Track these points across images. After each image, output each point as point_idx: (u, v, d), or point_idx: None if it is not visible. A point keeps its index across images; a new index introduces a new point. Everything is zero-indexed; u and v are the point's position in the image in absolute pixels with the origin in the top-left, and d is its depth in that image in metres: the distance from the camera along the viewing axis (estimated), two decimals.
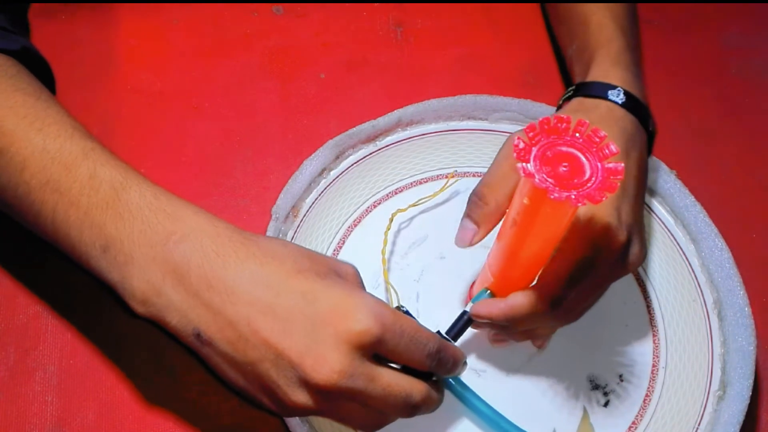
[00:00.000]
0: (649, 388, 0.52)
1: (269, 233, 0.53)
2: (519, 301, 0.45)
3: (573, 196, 0.37)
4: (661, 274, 0.56)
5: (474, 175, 0.59)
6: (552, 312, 0.45)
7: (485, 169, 0.51)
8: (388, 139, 0.59)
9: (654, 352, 0.53)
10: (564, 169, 0.38)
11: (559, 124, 0.39)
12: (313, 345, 0.38)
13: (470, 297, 0.52)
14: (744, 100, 0.67)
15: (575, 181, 0.38)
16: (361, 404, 0.40)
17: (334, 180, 0.57)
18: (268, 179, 0.59)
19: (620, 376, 0.52)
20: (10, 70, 0.46)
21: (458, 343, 0.47)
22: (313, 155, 0.56)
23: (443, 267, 0.55)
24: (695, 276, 0.55)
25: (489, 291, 0.48)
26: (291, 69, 0.65)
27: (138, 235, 0.40)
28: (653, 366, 0.53)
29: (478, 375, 0.52)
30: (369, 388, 0.39)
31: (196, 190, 0.58)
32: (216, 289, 0.39)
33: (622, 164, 0.38)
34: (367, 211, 0.57)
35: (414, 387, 0.40)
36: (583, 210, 0.45)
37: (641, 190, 0.50)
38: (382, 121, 0.58)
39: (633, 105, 0.50)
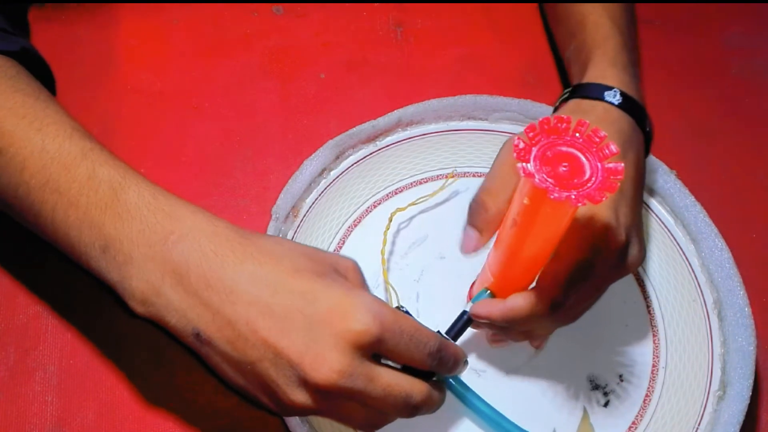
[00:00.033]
0: (649, 388, 0.52)
1: (269, 233, 0.53)
2: (518, 303, 0.45)
3: (573, 196, 0.37)
4: (661, 274, 0.56)
5: (474, 175, 0.59)
6: (552, 314, 0.45)
7: (485, 169, 0.51)
8: (388, 139, 0.59)
9: (654, 352, 0.53)
10: (564, 169, 0.38)
11: (559, 124, 0.39)
12: (312, 344, 0.38)
13: (470, 297, 0.52)
14: (744, 100, 0.67)
15: (575, 181, 0.38)
16: (360, 404, 0.40)
17: (334, 180, 0.57)
18: (268, 179, 0.59)
19: (620, 376, 0.52)
20: (10, 71, 0.46)
21: (458, 342, 0.47)
22: (313, 155, 0.56)
23: (443, 267, 0.55)
24: (695, 276, 0.55)
25: (489, 291, 0.48)
26: (291, 69, 0.65)
27: (137, 234, 0.40)
28: (653, 366, 0.53)
29: (478, 375, 0.52)
30: (368, 387, 0.39)
31: (196, 190, 0.58)
32: (214, 288, 0.39)
33: (622, 164, 0.38)
34: (367, 211, 0.57)
35: (414, 387, 0.40)
36: (582, 212, 0.45)
37: (639, 191, 0.50)
38: (382, 121, 0.58)
39: (629, 106, 0.50)
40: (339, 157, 0.57)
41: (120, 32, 0.65)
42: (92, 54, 0.63)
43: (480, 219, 0.48)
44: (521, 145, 0.38)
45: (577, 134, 0.39)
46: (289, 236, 0.54)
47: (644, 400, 0.52)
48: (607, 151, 0.39)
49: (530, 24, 0.68)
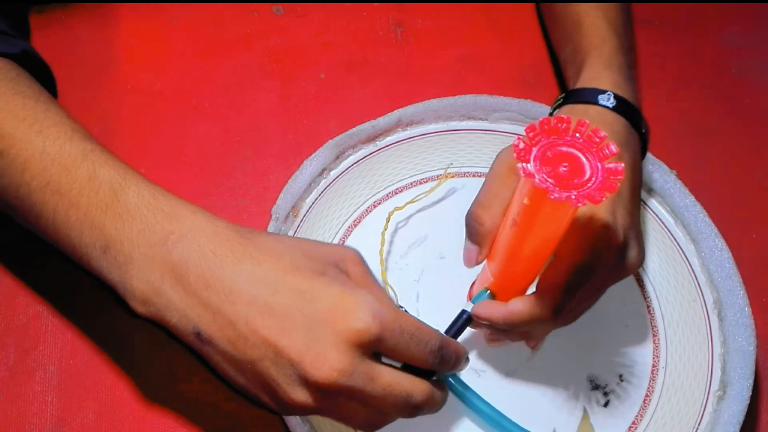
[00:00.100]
0: (649, 388, 0.52)
1: None
2: (519, 307, 0.45)
3: (573, 197, 0.37)
4: (661, 274, 0.56)
5: (474, 175, 0.59)
6: (554, 319, 0.45)
7: (485, 169, 0.51)
8: (388, 139, 0.59)
9: (654, 352, 0.53)
10: (564, 169, 0.38)
11: (559, 125, 0.39)
12: (312, 343, 0.38)
13: (470, 297, 0.52)
14: (744, 100, 0.67)
15: (575, 181, 0.38)
16: (361, 403, 0.40)
17: (334, 180, 0.57)
18: (268, 179, 0.59)
19: (620, 376, 0.52)
20: (10, 74, 0.46)
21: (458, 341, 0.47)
22: (313, 155, 0.56)
23: (443, 267, 0.55)
24: (695, 276, 0.55)
25: (489, 291, 0.48)
26: (291, 69, 0.65)
27: (137, 235, 0.40)
28: (653, 366, 0.53)
29: (478, 375, 0.52)
30: (369, 387, 0.39)
31: (196, 190, 0.58)
32: (214, 288, 0.39)
33: (623, 164, 0.38)
34: (367, 211, 0.57)
35: (416, 387, 0.40)
36: (580, 213, 0.45)
37: (636, 192, 0.50)
38: (382, 121, 0.58)
39: (624, 108, 0.50)
40: (339, 157, 0.57)
41: (120, 32, 0.65)
42: (92, 54, 0.63)
43: (476, 233, 0.48)
44: (521, 145, 0.38)
45: (577, 134, 0.39)
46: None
47: (644, 400, 0.52)
48: (607, 151, 0.39)
49: (530, 24, 0.68)
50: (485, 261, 0.50)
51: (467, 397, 0.49)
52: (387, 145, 0.59)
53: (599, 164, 0.38)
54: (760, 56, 0.69)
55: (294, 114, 0.62)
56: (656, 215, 0.57)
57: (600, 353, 0.53)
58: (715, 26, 0.70)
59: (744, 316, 0.52)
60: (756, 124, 0.65)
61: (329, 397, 0.39)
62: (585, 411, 0.51)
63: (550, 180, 0.37)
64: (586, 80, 0.53)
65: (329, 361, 0.38)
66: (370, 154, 0.58)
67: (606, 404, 0.51)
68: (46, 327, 0.52)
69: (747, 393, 0.50)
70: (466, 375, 0.51)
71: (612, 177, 0.38)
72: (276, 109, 0.62)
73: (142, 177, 0.43)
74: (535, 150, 0.38)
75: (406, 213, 0.57)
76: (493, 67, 0.66)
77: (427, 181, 0.59)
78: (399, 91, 0.64)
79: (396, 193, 0.58)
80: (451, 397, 0.48)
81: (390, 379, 0.39)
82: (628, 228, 0.47)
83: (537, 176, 0.37)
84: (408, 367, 0.42)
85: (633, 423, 0.51)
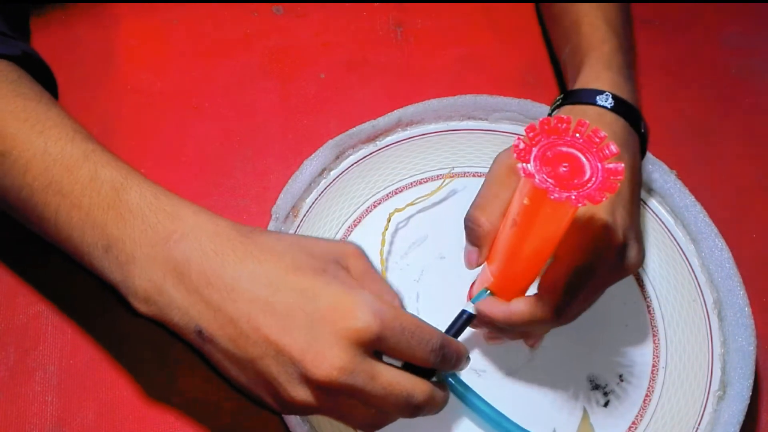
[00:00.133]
0: (649, 388, 0.52)
1: None
2: (521, 308, 0.45)
3: (573, 197, 0.37)
4: (661, 274, 0.56)
5: (474, 175, 0.59)
6: (555, 319, 0.45)
7: (485, 169, 0.51)
8: (388, 139, 0.59)
9: (654, 352, 0.53)
10: (564, 169, 0.38)
11: (559, 125, 0.39)
12: (313, 341, 0.38)
13: (470, 297, 0.52)
14: (744, 100, 0.67)
15: (575, 181, 0.38)
16: (361, 402, 0.40)
17: (334, 180, 0.57)
18: (268, 179, 0.59)
19: (620, 376, 0.52)
20: (11, 75, 0.46)
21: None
22: (313, 155, 0.56)
23: (443, 267, 0.55)
24: (695, 276, 0.55)
25: (489, 291, 0.48)
26: (291, 69, 0.65)
27: (139, 234, 0.41)
28: (653, 366, 0.53)
29: (478, 375, 0.52)
30: (369, 385, 0.39)
31: (196, 190, 0.58)
32: (216, 286, 0.39)
33: (623, 164, 0.38)
34: (367, 211, 0.57)
35: (417, 386, 0.40)
36: (579, 214, 0.45)
37: (636, 192, 0.50)
38: (382, 121, 0.58)
39: (622, 108, 0.50)
40: (339, 157, 0.57)
41: (120, 32, 0.65)
42: (92, 54, 0.63)
43: (475, 235, 0.48)
44: (521, 145, 0.38)
45: (577, 134, 0.39)
46: None
47: (644, 400, 0.52)
48: (607, 151, 0.39)
49: (530, 24, 0.68)
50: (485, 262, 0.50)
51: (467, 397, 0.49)
52: (387, 145, 0.59)
53: (599, 164, 0.38)
54: (760, 56, 0.69)
55: (294, 114, 0.62)
56: (656, 215, 0.57)
57: (600, 353, 0.53)
58: (715, 26, 0.70)
59: (744, 316, 0.52)
60: (756, 124, 0.65)
61: (330, 396, 0.39)
62: (585, 411, 0.51)
63: (550, 180, 0.37)
64: (584, 81, 0.53)
65: (330, 359, 0.38)
66: (370, 154, 0.58)
67: (606, 404, 0.51)
68: (46, 327, 0.52)
69: (747, 393, 0.50)
70: (466, 375, 0.51)
71: (612, 177, 0.38)
72: (276, 109, 0.62)
73: (143, 177, 0.43)
74: (535, 150, 0.38)
75: (407, 213, 0.57)
76: (493, 67, 0.66)
77: (427, 181, 0.59)
78: (399, 91, 0.64)
79: (396, 193, 0.58)
80: (451, 397, 0.48)
81: (391, 378, 0.39)
82: (628, 228, 0.47)
83: (537, 176, 0.37)
84: (409, 367, 0.42)
85: (633, 423, 0.51)
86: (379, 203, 0.58)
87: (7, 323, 0.52)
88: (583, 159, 0.38)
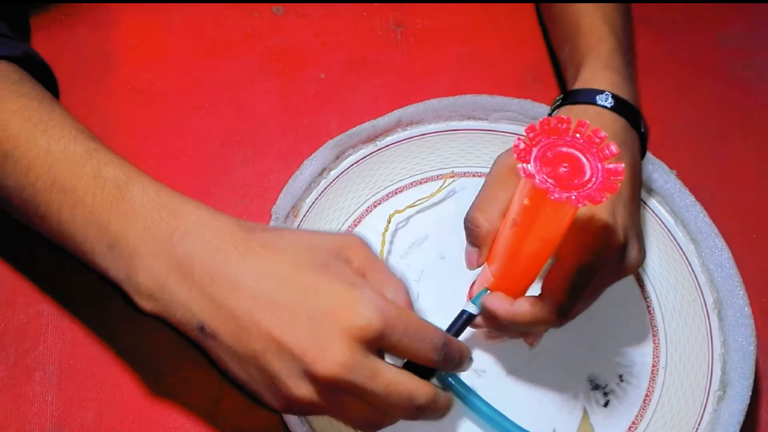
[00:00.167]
0: (648, 388, 0.52)
1: None
2: (525, 308, 0.46)
3: (573, 197, 0.37)
4: (661, 274, 0.56)
5: (474, 175, 0.59)
6: (559, 320, 0.46)
7: (485, 169, 0.51)
8: (388, 139, 0.59)
9: (654, 352, 0.53)
10: (564, 169, 0.38)
11: (559, 125, 0.39)
12: (315, 338, 0.38)
13: (470, 297, 0.52)
14: (744, 100, 0.67)
15: (575, 181, 0.38)
16: (363, 401, 0.40)
17: (334, 180, 0.57)
18: (268, 179, 0.59)
19: (620, 376, 0.52)
20: (13, 76, 0.46)
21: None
22: (313, 155, 0.56)
23: (443, 267, 0.55)
24: (695, 276, 0.55)
25: (489, 291, 0.48)
26: (291, 69, 0.65)
27: (142, 231, 0.41)
28: (653, 366, 0.53)
29: (478, 375, 0.52)
30: (371, 383, 0.39)
31: (197, 190, 0.58)
32: (218, 283, 0.40)
33: (623, 165, 0.38)
34: (367, 211, 0.57)
35: (419, 387, 0.40)
36: (579, 214, 0.45)
37: (636, 192, 0.50)
38: (382, 121, 0.58)
39: (622, 108, 0.50)
40: (339, 157, 0.57)
41: (120, 32, 0.65)
42: (92, 54, 0.63)
43: (474, 236, 0.49)
44: (522, 145, 0.38)
45: (578, 135, 0.39)
46: None
47: (644, 400, 0.52)
48: (607, 151, 0.39)
49: (530, 24, 0.68)
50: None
51: (467, 397, 0.49)
52: (387, 145, 0.59)
53: (599, 165, 0.38)
54: (760, 56, 0.69)
55: (294, 114, 0.62)
56: (656, 215, 0.57)
57: (600, 353, 0.53)
58: (715, 26, 0.70)
59: (744, 316, 0.52)
60: (756, 124, 0.65)
61: (331, 393, 0.39)
62: (585, 411, 0.51)
63: (550, 180, 0.37)
64: (584, 81, 0.53)
65: (332, 355, 0.38)
66: (370, 154, 0.58)
67: (606, 404, 0.51)
68: (46, 327, 0.52)
69: (747, 393, 0.50)
70: (466, 375, 0.51)
71: (612, 177, 0.38)
72: (276, 109, 0.62)
73: (146, 175, 0.43)
74: (535, 150, 0.38)
75: (407, 213, 0.57)
76: (493, 67, 0.66)
77: (427, 182, 0.59)
78: (399, 91, 0.64)
79: (396, 193, 0.58)
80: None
81: (393, 377, 0.39)
82: (628, 228, 0.47)
83: (537, 177, 0.37)
84: (411, 368, 0.42)
85: (633, 423, 0.51)
86: (379, 203, 0.58)
87: (7, 323, 0.52)
88: (584, 159, 0.38)
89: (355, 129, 0.57)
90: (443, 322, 0.47)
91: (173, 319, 0.41)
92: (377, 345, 0.39)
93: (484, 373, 0.52)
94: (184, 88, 0.63)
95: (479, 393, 0.49)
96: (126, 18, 0.65)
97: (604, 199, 0.37)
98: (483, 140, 0.60)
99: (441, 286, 0.55)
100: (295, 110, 0.62)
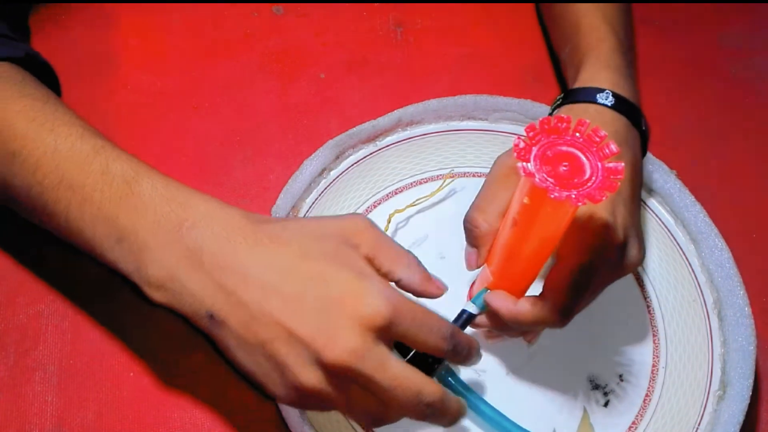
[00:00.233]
0: (648, 388, 0.52)
1: None
2: (528, 308, 0.46)
3: (573, 196, 0.37)
4: (661, 274, 0.56)
5: (474, 175, 0.59)
6: (561, 320, 0.46)
7: (485, 170, 0.51)
8: (388, 139, 0.59)
9: (654, 352, 0.53)
10: (564, 168, 0.38)
11: (559, 124, 0.39)
12: (325, 325, 0.38)
13: (470, 297, 0.52)
14: (744, 100, 0.67)
15: (575, 180, 0.38)
16: (369, 392, 0.40)
17: (334, 180, 0.57)
18: (268, 179, 0.59)
19: (620, 376, 0.52)
20: (17, 77, 0.47)
21: None
22: (313, 155, 0.56)
23: (443, 267, 0.55)
24: (695, 276, 0.55)
25: (489, 291, 0.48)
26: (291, 69, 0.65)
27: (152, 224, 0.41)
28: (653, 366, 0.53)
29: (478, 375, 0.52)
30: (379, 374, 0.38)
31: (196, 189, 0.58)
32: (228, 272, 0.40)
33: (623, 164, 0.38)
34: (367, 211, 0.57)
35: (428, 385, 0.40)
36: (579, 213, 0.45)
37: (636, 190, 0.50)
38: (383, 121, 0.58)
39: (623, 106, 0.50)
40: (339, 157, 0.57)
41: (120, 32, 0.65)
42: (92, 54, 0.63)
43: (472, 236, 0.49)
44: (522, 144, 0.38)
45: (578, 134, 0.39)
46: None
47: (644, 400, 0.52)
48: (607, 150, 0.39)
49: (530, 24, 0.68)
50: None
51: (467, 397, 0.49)
52: (387, 145, 0.59)
53: (599, 163, 0.38)
54: (760, 56, 0.69)
55: (294, 114, 0.62)
56: (656, 215, 0.57)
57: (600, 353, 0.53)
58: (715, 26, 0.70)
59: (744, 316, 0.52)
60: (756, 124, 0.65)
61: (338, 381, 0.39)
62: (585, 411, 0.51)
63: (550, 179, 0.37)
64: (584, 80, 0.53)
65: (342, 342, 0.38)
66: (370, 154, 0.58)
67: (606, 404, 0.51)
68: (46, 327, 0.52)
69: (747, 393, 0.50)
70: (466, 375, 0.51)
71: (612, 176, 0.38)
72: (276, 109, 0.62)
73: (154, 169, 0.44)
74: (535, 149, 0.38)
75: (407, 213, 0.57)
76: (493, 67, 0.66)
77: (427, 182, 0.59)
78: (399, 91, 0.64)
79: (396, 193, 0.58)
80: None
81: (402, 370, 0.39)
82: (628, 227, 0.47)
83: (537, 176, 0.37)
84: (417, 365, 0.41)
85: (633, 423, 0.51)
86: (379, 203, 0.58)
87: (7, 323, 0.52)
88: (583, 158, 0.38)
89: (355, 129, 0.57)
90: None
91: (183, 309, 0.41)
92: (386, 334, 0.39)
93: (484, 373, 0.52)
94: (184, 88, 0.63)
95: (479, 393, 0.49)
96: (125, 18, 0.65)
97: (604, 198, 0.37)
98: (483, 140, 0.60)
99: None
100: (295, 110, 0.62)
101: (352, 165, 0.58)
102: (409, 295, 0.43)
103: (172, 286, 0.41)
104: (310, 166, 0.56)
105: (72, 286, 0.53)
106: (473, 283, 0.53)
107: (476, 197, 0.50)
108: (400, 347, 0.45)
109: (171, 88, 0.63)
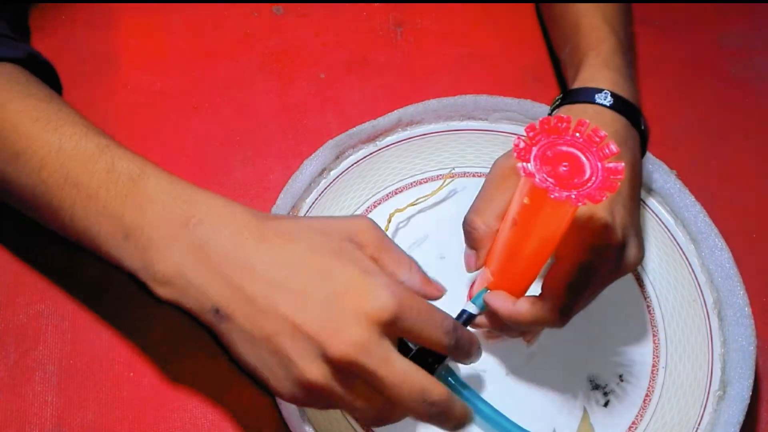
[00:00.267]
0: (649, 388, 0.52)
1: None
2: (527, 308, 0.46)
3: (573, 196, 0.37)
4: (661, 274, 0.56)
5: (474, 175, 0.59)
6: (560, 320, 0.46)
7: (485, 169, 0.51)
8: (388, 139, 0.59)
9: (654, 352, 0.53)
10: (564, 168, 0.38)
11: (559, 124, 0.39)
12: (330, 319, 0.38)
13: (470, 297, 0.52)
14: (744, 100, 0.67)
15: (575, 180, 0.38)
16: (373, 389, 0.39)
17: (334, 180, 0.57)
18: (268, 179, 0.59)
19: (620, 376, 0.52)
20: (19, 77, 0.47)
21: None
22: (313, 155, 0.56)
23: (443, 267, 0.55)
24: (695, 276, 0.55)
25: (489, 291, 0.48)
26: (291, 69, 0.65)
27: (158, 220, 0.41)
28: (653, 366, 0.53)
29: (478, 375, 0.52)
30: (384, 369, 0.38)
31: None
32: (234, 267, 0.40)
33: (623, 164, 0.38)
34: (367, 211, 0.57)
35: (433, 385, 0.40)
36: (579, 213, 0.45)
37: (636, 190, 0.50)
38: (383, 121, 0.58)
39: (622, 106, 0.50)
40: (339, 157, 0.57)
41: (120, 32, 0.65)
42: (92, 54, 0.63)
43: (471, 238, 0.49)
44: (521, 144, 0.38)
45: (577, 134, 0.39)
46: None
47: (644, 400, 0.52)
48: (607, 150, 0.39)
49: (531, 24, 0.68)
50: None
51: (467, 397, 0.49)
52: (387, 145, 0.59)
53: (599, 164, 0.38)
54: (760, 56, 0.69)
55: (294, 114, 0.62)
56: (656, 215, 0.57)
57: (600, 353, 0.53)
58: (715, 26, 0.70)
59: (744, 316, 0.52)
60: (756, 124, 0.65)
61: (343, 376, 0.39)
62: (585, 411, 0.51)
63: (550, 179, 0.37)
64: (583, 80, 0.53)
65: (347, 335, 0.38)
66: (370, 154, 0.58)
67: (606, 404, 0.51)
68: (46, 327, 0.52)
69: (747, 393, 0.50)
70: (466, 375, 0.51)
71: (612, 176, 0.38)
72: (276, 109, 0.62)
73: (159, 167, 0.44)
74: (535, 149, 0.38)
75: (407, 213, 0.57)
76: (493, 67, 0.66)
77: (427, 182, 0.59)
78: (399, 91, 0.64)
79: (396, 194, 0.58)
80: None
81: (407, 368, 0.39)
82: (627, 226, 0.47)
83: (537, 176, 0.37)
84: (419, 362, 0.41)
85: (633, 423, 0.51)
86: (379, 203, 0.58)
87: (7, 323, 0.52)
88: (583, 158, 0.38)
89: (355, 129, 0.57)
90: None
91: (189, 305, 0.41)
92: (392, 329, 0.39)
93: (484, 373, 0.52)
94: (184, 88, 0.63)
95: (479, 393, 0.49)
96: (126, 18, 0.65)
97: (604, 198, 0.37)
98: (483, 140, 0.60)
99: None
100: (295, 110, 0.62)
101: (352, 165, 0.58)
102: None
103: (179, 281, 0.41)
104: (310, 166, 0.56)
105: (72, 286, 0.53)
106: (473, 283, 0.53)
107: (475, 200, 0.50)
108: (400, 348, 0.45)
109: (171, 88, 0.63)
